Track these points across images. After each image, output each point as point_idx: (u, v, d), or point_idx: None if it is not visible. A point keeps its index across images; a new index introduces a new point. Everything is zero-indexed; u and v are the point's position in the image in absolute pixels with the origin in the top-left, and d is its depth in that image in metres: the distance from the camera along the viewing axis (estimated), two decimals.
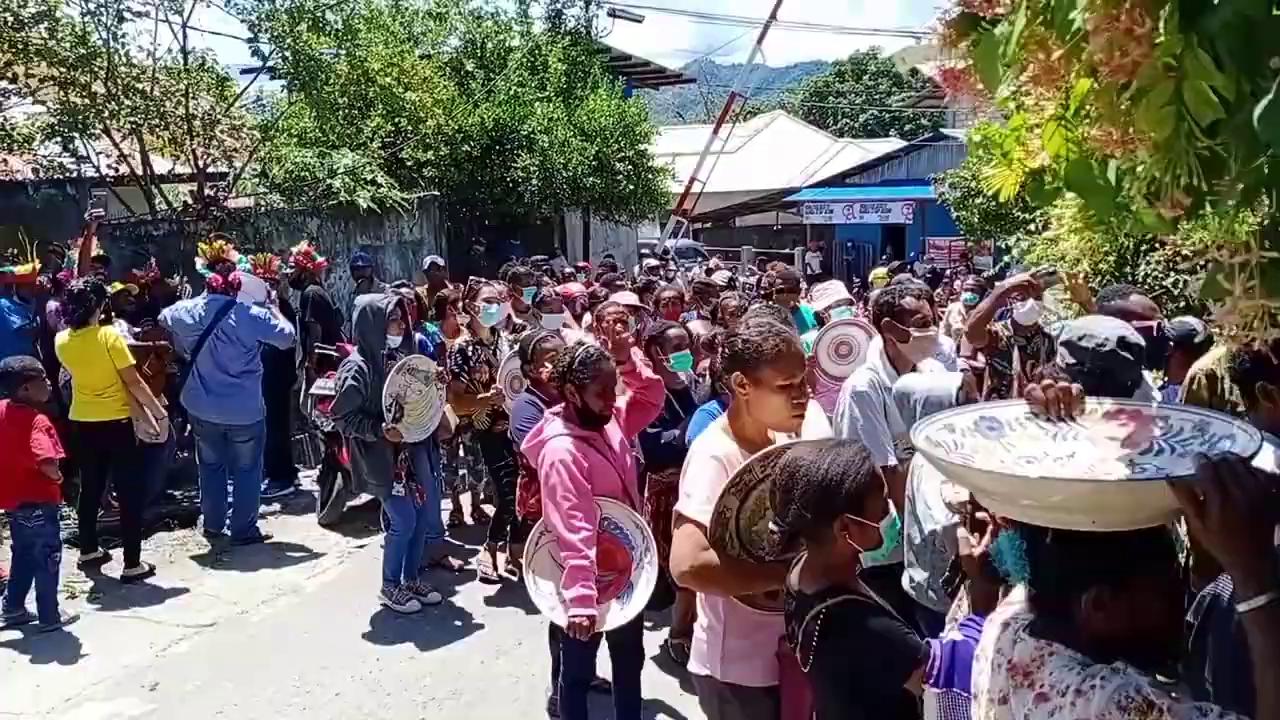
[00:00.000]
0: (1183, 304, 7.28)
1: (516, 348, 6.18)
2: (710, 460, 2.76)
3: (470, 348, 6.24)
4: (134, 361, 6.29)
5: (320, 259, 8.55)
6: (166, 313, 6.92)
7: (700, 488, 2.71)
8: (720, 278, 10.39)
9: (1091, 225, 1.73)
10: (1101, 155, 1.49)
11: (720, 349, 2.96)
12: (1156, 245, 7.76)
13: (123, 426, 6.23)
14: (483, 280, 7.60)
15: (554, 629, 3.96)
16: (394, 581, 5.78)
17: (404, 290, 6.97)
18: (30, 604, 5.63)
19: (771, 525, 2.34)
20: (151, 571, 6.39)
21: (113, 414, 6.20)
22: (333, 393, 5.79)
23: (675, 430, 4.70)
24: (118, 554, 6.44)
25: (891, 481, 3.15)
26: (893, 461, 3.71)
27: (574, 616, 3.58)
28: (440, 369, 5.78)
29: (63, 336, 6.23)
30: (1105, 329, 2.92)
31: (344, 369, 5.68)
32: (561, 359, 3.94)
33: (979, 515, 2.25)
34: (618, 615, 3.72)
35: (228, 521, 7.01)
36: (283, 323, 7.03)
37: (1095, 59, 1.21)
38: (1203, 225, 1.47)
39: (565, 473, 3.66)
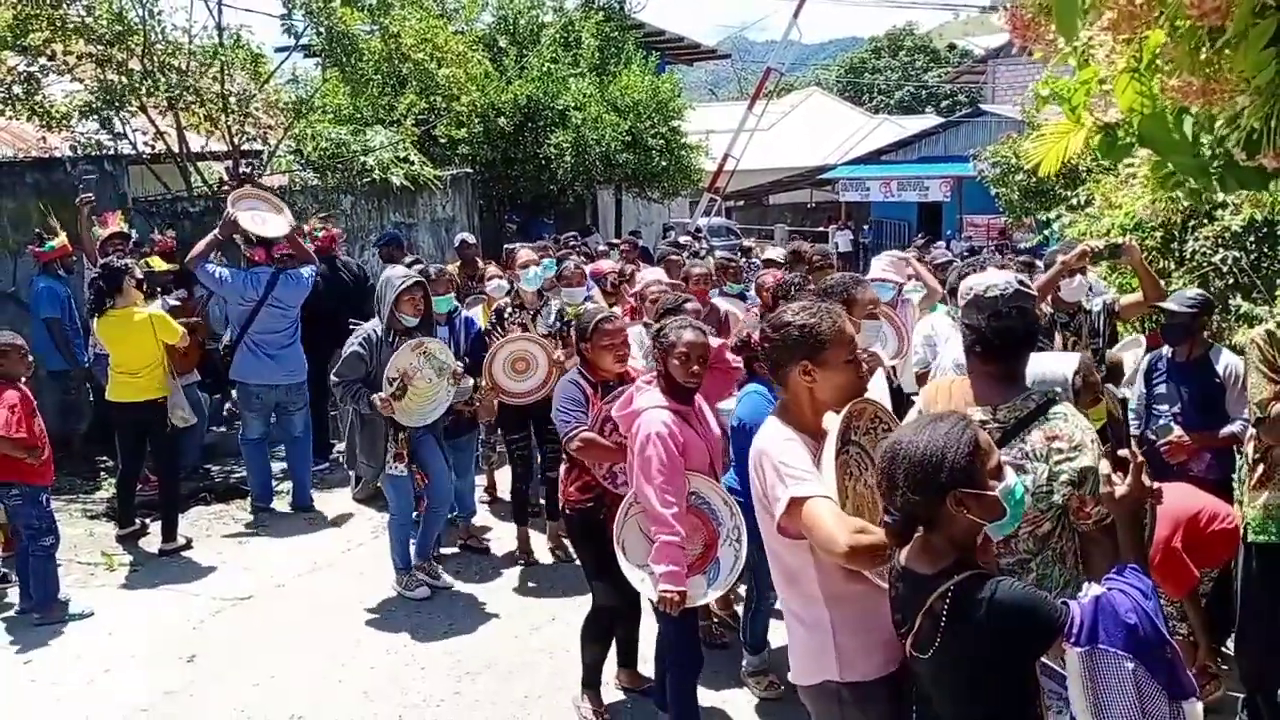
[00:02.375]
0: (1231, 280, 7.13)
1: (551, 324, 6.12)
2: (791, 441, 2.62)
3: (509, 309, 6.19)
4: (184, 332, 6.34)
5: (334, 229, 8.50)
6: (215, 278, 6.80)
7: (803, 469, 2.54)
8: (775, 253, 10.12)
9: (1167, 185, 1.64)
10: (1178, 108, 1.42)
11: (771, 341, 2.74)
12: (1204, 221, 7.60)
13: (158, 406, 6.25)
14: (518, 245, 7.56)
15: (657, 614, 3.86)
16: (404, 569, 5.65)
17: (423, 267, 6.85)
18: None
19: (884, 517, 2.21)
20: (189, 545, 6.44)
21: (149, 394, 6.23)
22: None
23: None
24: (155, 527, 6.50)
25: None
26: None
27: (663, 591, 3.53)
28: (459, 368, 5.58)
29: (99, 319, 6.24)
30: (999, 277, 2.82)
31: (355, 335, 5.50)
32: (653, 327, 3.88)
33: (1120, 453, 2.20)
34: (705, 592, 3.68)
35: (277, 495, 7.07)
36: (303, 270, 7.05)
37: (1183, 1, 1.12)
38: None
39: (662, 446, 3.57)
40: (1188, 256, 7.37)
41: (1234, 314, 6.63)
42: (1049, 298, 5.52)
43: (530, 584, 5.85)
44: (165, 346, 6.36)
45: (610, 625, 4.38)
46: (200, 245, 6.69)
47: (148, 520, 6.63)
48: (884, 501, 2.20)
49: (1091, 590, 2.09)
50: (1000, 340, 2.67)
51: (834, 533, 2.38)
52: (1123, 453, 2.12)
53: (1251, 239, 7.16)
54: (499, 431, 6.88)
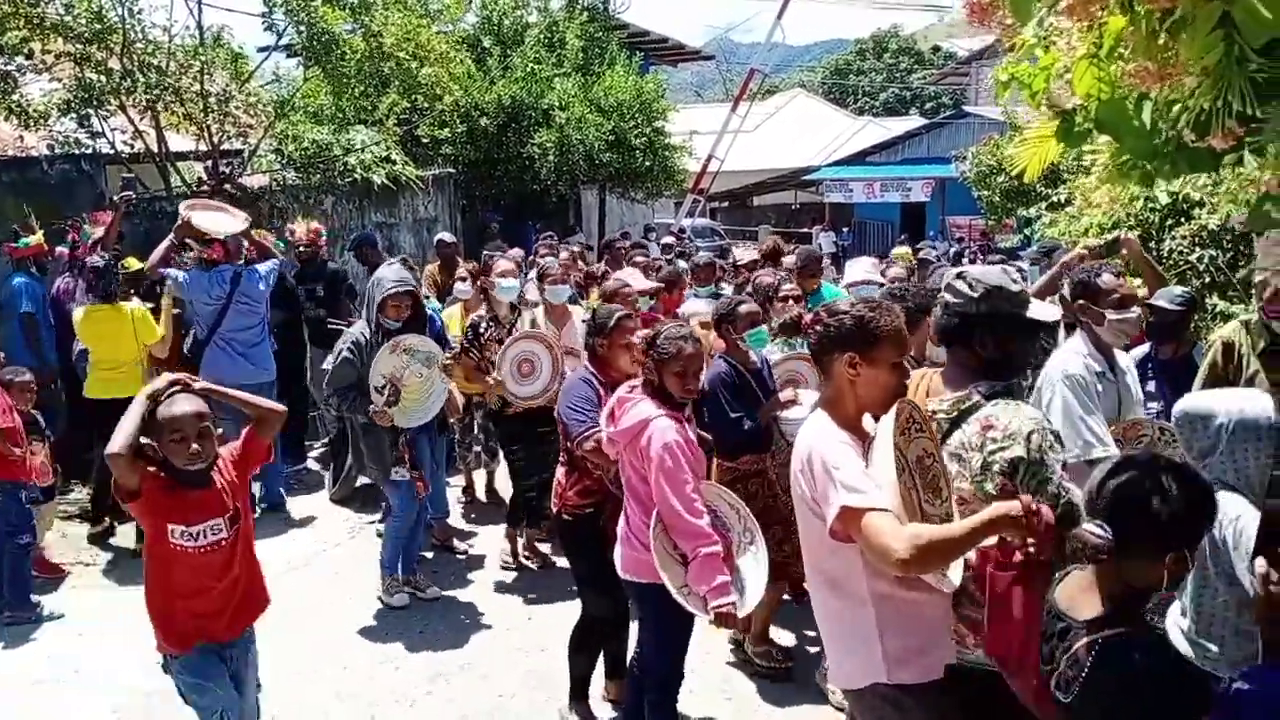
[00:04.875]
0: (1207, 279, 7.18)
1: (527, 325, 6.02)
2: (845, 445, 2.55)
3: (484, 323, 5.94)
4: (164, 334, 6.32)
5: (316, 225, 8.41)
6: (176, 282, 6.74)
7: (857, 475, 2.46)
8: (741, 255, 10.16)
9: (1125, 172, 1.63)
10: (1136, 94, 1.41)
11: (824, 325, 2.66)
12: (1181, 220, 7.65)
13: None
14: (498, 253, 7.48)
15: (642, 627, 3.76)
16: (390, 570, 5.55)
17: (411, 265, 6.80)
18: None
19: (1095, 529, 2.10)
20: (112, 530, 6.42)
21: (129, 391, 6.14)
22: None
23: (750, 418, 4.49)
24: (126, 529, 6.43)
25: None
26: (1112, 451, 3.47)
27: (719, 608, 3.33)
28: (447, 354, 5.47)
29: (79, 313, 6.20)
30: (979, 269, 2.87)
31: (343, 340, 5.40)
32: (646, 335, 3.72)
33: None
34: (741, 605, 3.49)
35: (258, 494, 7.02)
36: (261, 266, 6.99)
37: None
38: (1256, 153, 1.37)
39: (680, 454, 3.44)
40: (1165, 255, 7.42)
41: (1211, 313, 6.67)
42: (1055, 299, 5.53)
43: (506, 586, 5.82)
44: (157, 345, 6.46)
45: (599, 636, 4.28)
46: (157, 252, 6.67)
47: (116, 522, 6.58)
48: (1109, 518, 2.10)
49: (1236, 684, 2.06)
50: (949, 327, 2.72)
51: (890, 544, 2.31)
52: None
53: (1228, 238, 7.21)
54: (474, 432, 6.85)
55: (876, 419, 2.64)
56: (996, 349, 2.68)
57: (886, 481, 2.40)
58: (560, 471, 4.25)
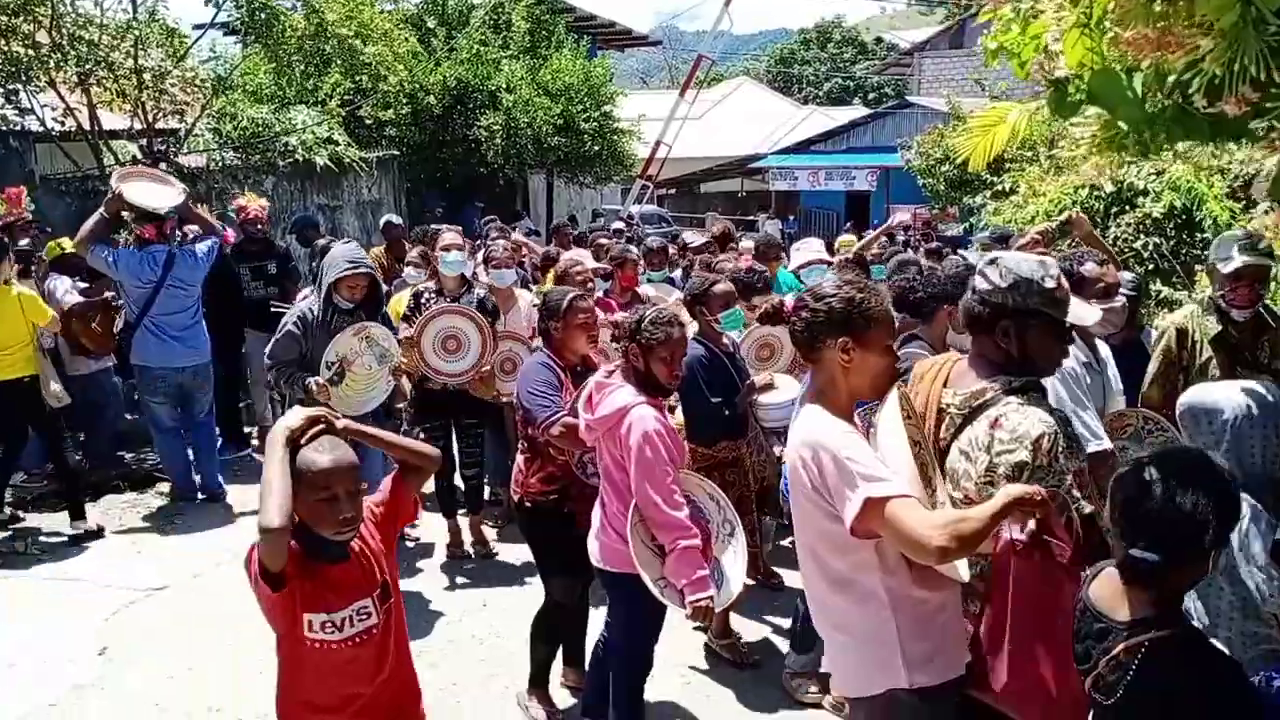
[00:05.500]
0: (1151, 266, 7.32)
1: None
2: (850, 434, 2.40)
3: (427, 294, 5.77)
4: (54, 315, 6.11)
5: (260, 203, 8.09)
6: (106, 262, 6.43)
7: (873, 463, 2.33)
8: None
9: (1117, 143, 1.61)
10: (1128, 63, 1.39)
11: (811, 311, 2.49)
12: (1126, 208, 7.79)
13: (25, 385, 6.01)
14: (442, 227, 7.31)
15: (611, 613, 3.67)
16: None
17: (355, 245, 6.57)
18: None
19: (1143, 554, 1.99)
20: (100, 532, 6.19)
21: (16, 373, 5.96)
22: None
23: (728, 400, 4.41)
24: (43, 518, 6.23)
25: (1099, 470, 2.82)
26: (1107, 445, 3.38)
27: (695, 602, 3.25)
28: (403, 362, 5.28)
29: None
30: (1013, 256, 2.72)
31: (289, 314, 5.18)
32: (630, 318, 3.55)
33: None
34: (717, 597, 3.40)
35: (198, 481, 6.82)
36: (198, 247, 6.68)
37: None
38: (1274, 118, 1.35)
39: (661, 444, 3.33)
40: (1110, 242, 7.54)
41: (1154, 299, 6.79)
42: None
43: (458, 574, 5.72)
44: (81, 328, 6.36)
45: (562, 623, 4.18)
46: (86, 226, 6.32)
47: (18, 514, 6.40)
48: (1122, 531, 2.04)
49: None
50: (974, 314, 2.59)
51: (922, 534, 2.20)
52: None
53: (1171, 225, 7.35)
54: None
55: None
56: (1020, 344, 2.53)
57: (904, 467, 2.29)
58: (520, 459, 4.12)
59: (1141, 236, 7.34)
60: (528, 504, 4.05)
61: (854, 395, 2.51)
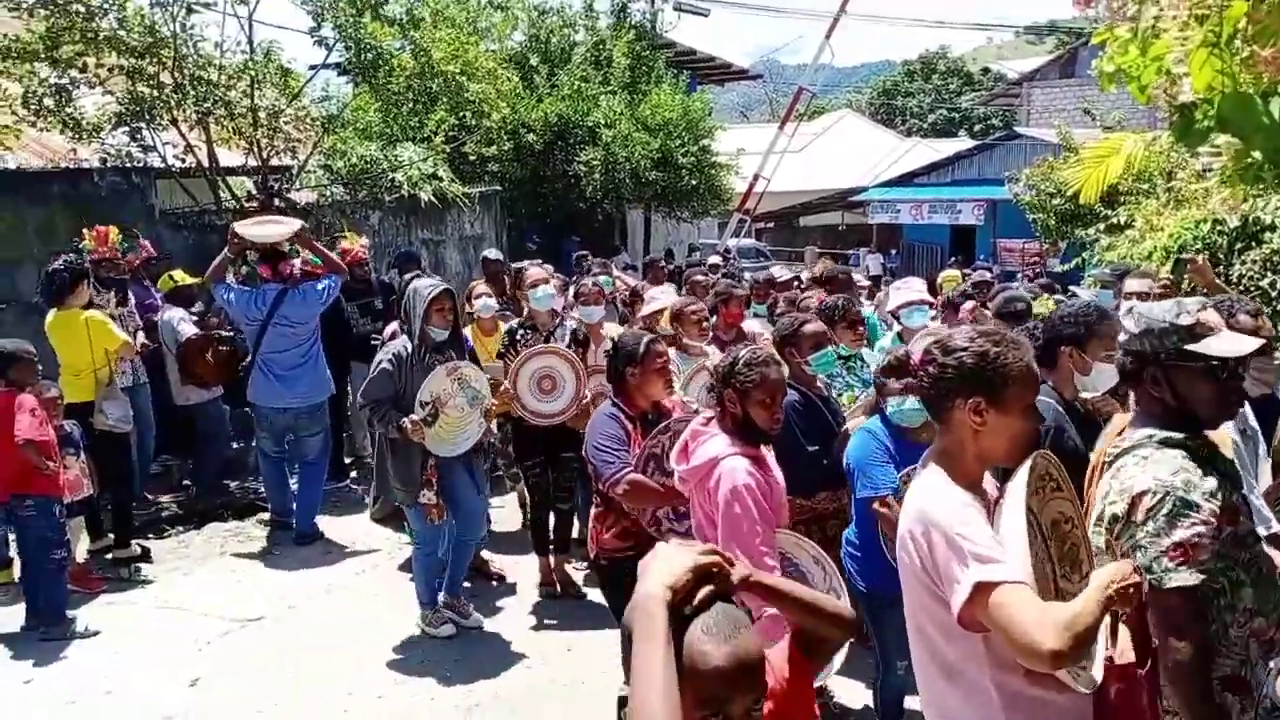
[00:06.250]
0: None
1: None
2: (969, 508, 2.15)
3: (520, 331, 5.78)
4: (125, 340, 6.28)
5: (358, 247, 8.26)
6: (224, 300, 6.66)
7: (989, 543, 2.06)
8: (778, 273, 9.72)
9: (1251, 174, 1.45)
10: (1264, 86, 1.25)
11: (939, 367, 2.25)
12: (1252, 244, 7.36)
13: (86, 409, 6.13)
14: (525, 264, 7.32)
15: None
16: (429, 603, 5.33)
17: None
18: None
19: None
20: (146, 555, 6.33)
21: (84, 396, 6.13)
22: None
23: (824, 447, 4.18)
24: (163, 545, 6.38)
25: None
26: (1277, 528, 3.04)
27: None
28: (493, 404, 5.27)
29: (50, 316, 6.18)
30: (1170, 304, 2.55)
31: (383, 351, 5.22)
32: (723, 360, 3.36)
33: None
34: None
35: (293, 512, 6.90)
36: (314, 285, 6.71)
37: None
38: None
39: (751, 500, 3.10)
40: (1234, 281, 7.14)
41: None
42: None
43: (544, 615, 5.64)
44: (198, 359, 6.62)
45: None
46: (214, 265, 6.57)
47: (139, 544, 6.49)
48: None
49: None
50: (1124, 368, 2.50)
51: (1034, 633, 1.92)
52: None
53: None
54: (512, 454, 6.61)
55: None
56: (1172, 392, 2.38)
57: (1019, 550, 2.01)
58: (593, 513, 4.00)
59: (1268, 274, 6.93)
60: (603, 561, 3.90)
61: (985, 460, 2.26)
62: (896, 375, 2.88)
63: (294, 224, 6.89)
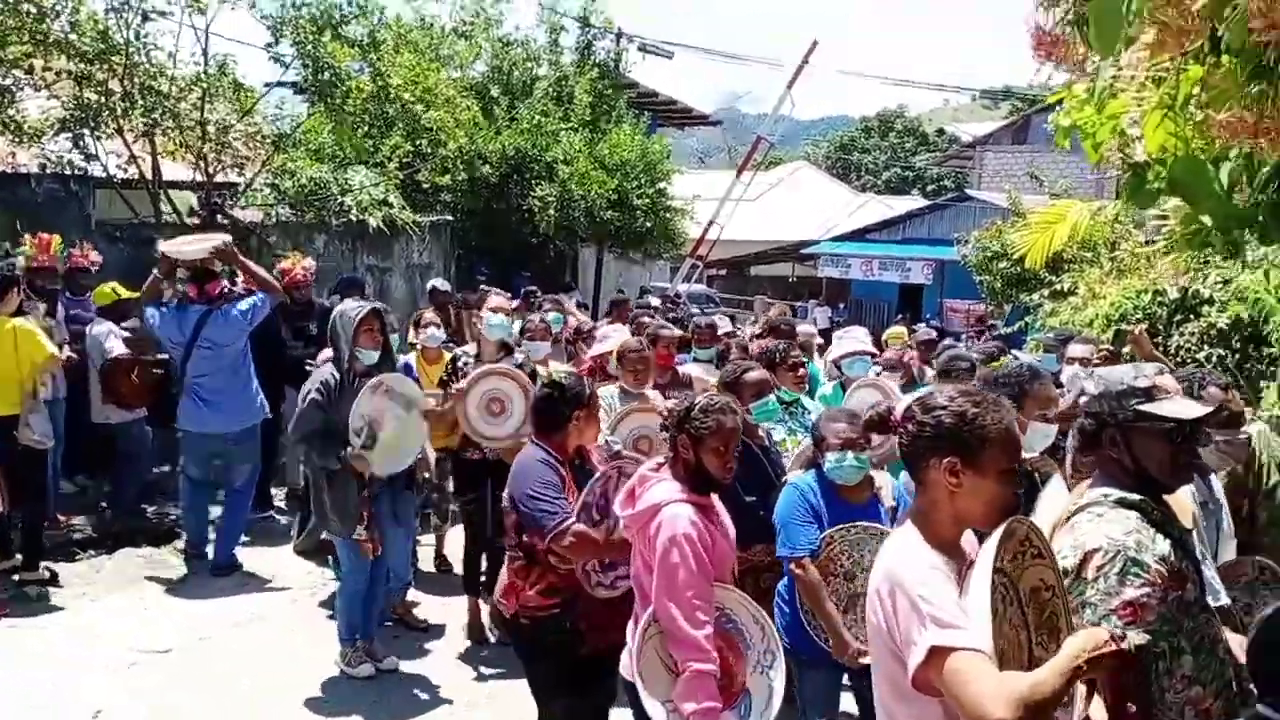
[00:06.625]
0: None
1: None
2: (935, 571, 2.12)
3: (464, 359, 5.61)
4: (53, 353, 5.96)
5: (299, 269, 8.03)
6: (149, 321, 6.42)
7: (950, 608, 2.03)
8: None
9: (1199, 240, 1.42)
10: (1215, 152, 1.22)
11: (917, 425, 2.24)
12: (1190, 317, 7.49)
13: (6, 422, 5.84)
14: (490, 290, 7.19)
15: None
16: (349, 639, 5.11)
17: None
18: None
19: (1265, 711, 1.91)
20: (54, 579, 6.02)
21: (7, 409, 5.84)
22: None
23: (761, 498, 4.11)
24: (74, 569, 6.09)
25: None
26: (1224, 601, 3.02)
27: None
28: (430, 398, 5.17)
29: None
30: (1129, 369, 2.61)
31: (310, 381, 5.02)
32: (679, 405, 3.29)
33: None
34: None
35: (210, 543, 6.62)
36: (237, 306, 6.45)
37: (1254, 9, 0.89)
38: None
39: (690, 550, 3.00)
40: (1172, 352, 7.25)
41: None
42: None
43: (468, 659, 5.45)
44: (122, 378, 6.37)
45: None
46: (146, 285, 6.38)
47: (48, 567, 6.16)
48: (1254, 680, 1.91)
49: None
50: (1084, 430, 2.54)
51: (985, 702, 1.88)
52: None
53: (1237, 337, 7.05)
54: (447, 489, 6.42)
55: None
56: (1130, 454, 2.41)
57: (981, 616, 1.96)
58: (508, 570, 3.73)
59: (1205, 347, 7.05)
60: (524, 620, 3.64)
61: (961, 522, 2.23)
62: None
63: (218, 238, 6.65)
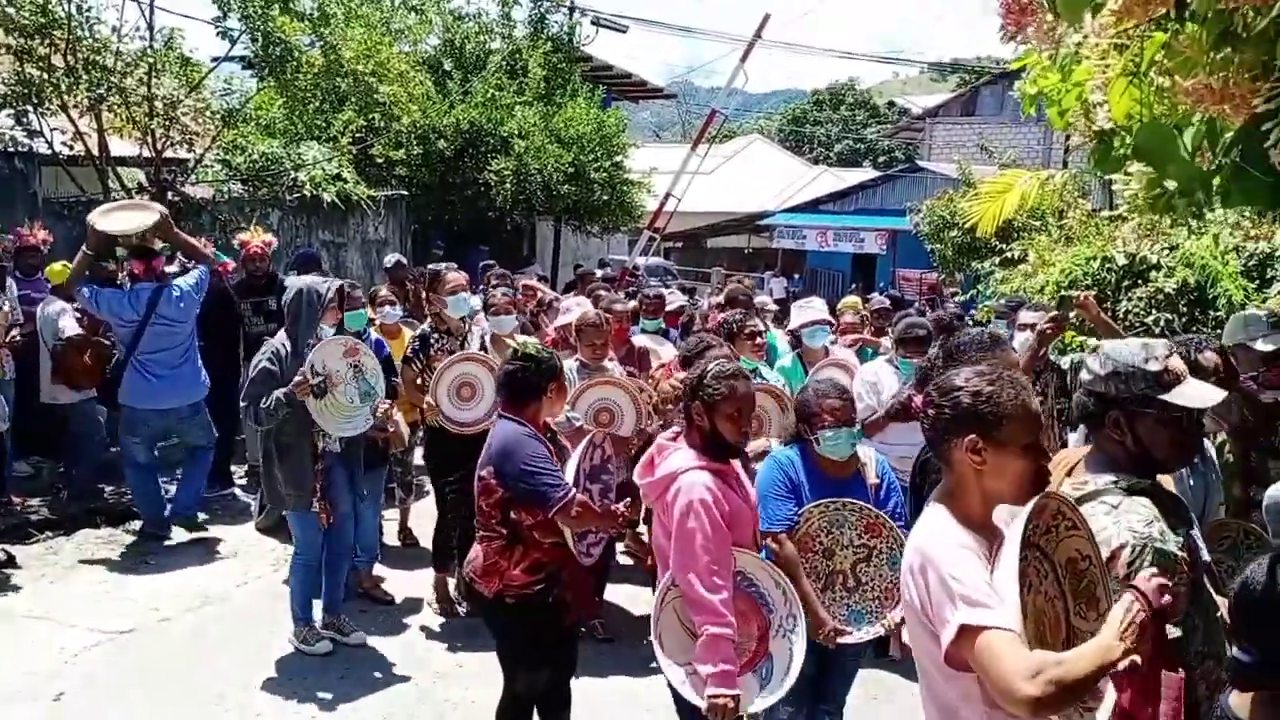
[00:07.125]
0: None
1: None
2: (965, 550, 2.14)
3: (434, 335, 5.60)
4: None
5: (257, 243, 7.90)
6: (88, 301, 6.29)
7: (979, 586, 2.05)
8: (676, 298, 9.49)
9: (1163, 204, 1.47)
10: (1178, 118, 1.26)
11: (936, 407, 2.28)
12: (1138, 282, 7.65)
13: None
14: (450, 266, 7.16)
15: (681, 707, 3.29)
16: (304, 618, 5.08)
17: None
18: None
19: (1236, 654, 1.88)
20: (11, 560, 5.94)
21: None
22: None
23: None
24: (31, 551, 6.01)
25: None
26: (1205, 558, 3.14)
27: (713, 697, 2.98)
28: (386, 406, 5.05)
29: None
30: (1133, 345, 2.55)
31: (261, 351, 4.91)
32: (691, 374, 3.31)
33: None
34: (759, 694, 3.14)
35: (169, 509, 6.58)
36: (184, 280, 6.44)
37: None
38: None
39: (706, 516, 3.05)
40: (1120, 316, 7.40)
41: None
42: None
43: (435, 633, 5.48)
44: (75, 359, 6.33)
45: (529, 712, 3.80)
46: (73, 268, 6.26)
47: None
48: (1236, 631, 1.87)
49: None
50: (1084, 409, 2.47)
51: (1013, 679, 1.91)
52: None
53: (1184, 302, 7.21)
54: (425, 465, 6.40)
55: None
56: (1134, 437, 2.37)
57: (1009, 595, 1.97)
58: (486, 547, 3.62)
59: (1153, 312, 7.20)
60: (509, 599, 3.56)
61: (991, 500, 2.24)
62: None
63: (156, 210, 6.51)
